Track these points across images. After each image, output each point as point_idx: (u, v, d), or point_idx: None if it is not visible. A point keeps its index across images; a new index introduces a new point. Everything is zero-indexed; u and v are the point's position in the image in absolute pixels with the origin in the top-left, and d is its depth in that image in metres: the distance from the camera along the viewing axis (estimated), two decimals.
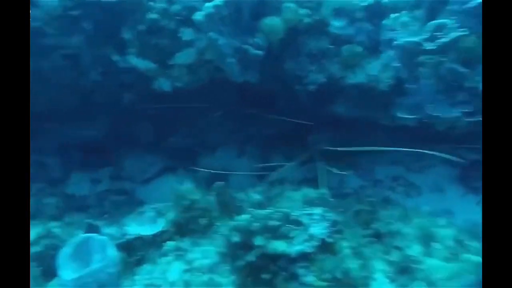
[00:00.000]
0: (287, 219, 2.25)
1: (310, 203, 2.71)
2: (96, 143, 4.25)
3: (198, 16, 2.95)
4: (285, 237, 2.17)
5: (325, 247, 2.25)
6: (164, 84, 3.46)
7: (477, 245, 2.73)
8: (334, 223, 2.42)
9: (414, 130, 3.73)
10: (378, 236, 2.48)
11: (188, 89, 3.52)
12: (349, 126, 3.98)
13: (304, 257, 2.18)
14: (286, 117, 4.07)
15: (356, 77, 3.51)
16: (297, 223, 2.31)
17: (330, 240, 2.29)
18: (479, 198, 3.79)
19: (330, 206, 2.73)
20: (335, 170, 3.77)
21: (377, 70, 3.46)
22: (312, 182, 4.01)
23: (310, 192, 2.94)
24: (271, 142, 4.39)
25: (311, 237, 2.27)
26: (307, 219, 2.43)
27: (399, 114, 3.37)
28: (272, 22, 3.22)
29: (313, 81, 3.52)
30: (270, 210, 2.28)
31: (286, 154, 4.32)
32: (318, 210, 2.50)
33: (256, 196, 2.75)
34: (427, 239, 2.61)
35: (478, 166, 3.88)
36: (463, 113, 3.14)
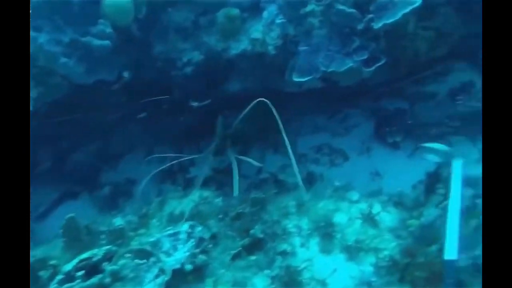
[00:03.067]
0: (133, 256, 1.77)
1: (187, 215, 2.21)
2: None
3: None
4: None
5: (186, 276, 1.78)
6: None
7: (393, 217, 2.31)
8: (201, 241, 1.94)
9: (323, 91, 3.26)
10: (260, 243, 2.00)
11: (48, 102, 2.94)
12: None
13: None
14: (182, 108, 3.54)
15: (241, 45, 2.97)
16: (148, 255, 1.82)
17: (189, 267, 1.81)
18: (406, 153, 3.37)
19: (211, 212, 2.25)
20: (250, 159, 3.23)
21: (261, 32, 2.93)
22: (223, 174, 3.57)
23: (193, 198, 2.44)
24: (179, 138, 3.86)
25: (168, 267, 1.78)
26: (169, 242, 1.95)
27: (294, 78, 2.86)
28: (117, 1, 2.64)
29: (189, 61, 2.96)
30: (107, 248, 1.79)
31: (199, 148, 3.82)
32: (185, 227, 2.02)
33: (119, 222, 2.24)
34: (327, 229, 2.16)
35: (398, 117, 3.50)
36: (359, 62, 2.64)
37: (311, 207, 2.36)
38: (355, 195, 2.59)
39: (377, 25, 2.51)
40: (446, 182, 3.02)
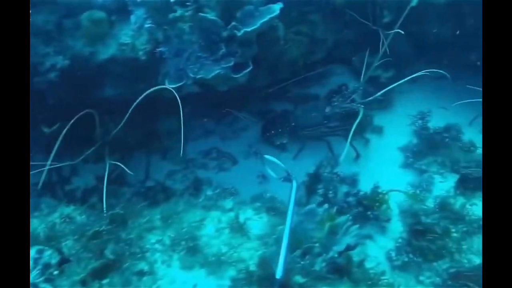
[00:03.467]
0: None
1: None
2: None
3: None
4: None
5: None
6: None
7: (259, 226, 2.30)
8: (47, 267, 1.78)
9: (201, 96, 3.19)
10: (116, 263, 1.88)
11: None
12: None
13: None
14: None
15: (109, 50, 2.80)
16: None
17: None
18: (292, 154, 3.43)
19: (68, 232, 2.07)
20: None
21: (130, 37, 2.79)
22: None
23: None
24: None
25: None
26: None
27: (167, 84, 2.75)
28: None
29: (53, 66, 2.74)
30: None
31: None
32: (31, 253, 1.84)
33: None
34: (192, 242, 2.09)
35: (283, 119, 3.56)
36: (227, 68, 2.60)
37: (178, 219, 2.29)
38: (228, 203, 2.56)
39: (239, 32, 2.49)
40: (326, 182, 3.11)
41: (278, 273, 1.80)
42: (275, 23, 2.81)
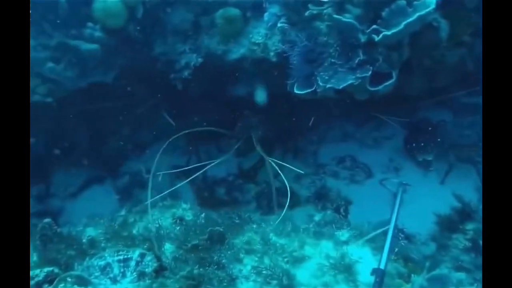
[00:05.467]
0: None
1: None
2: None
3: None
4: None
5: None
6: None
7: None
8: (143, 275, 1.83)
9: (337, 103, 2.87)
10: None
11: None
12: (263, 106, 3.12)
13: None
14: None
15: (241, 49, 2.70)
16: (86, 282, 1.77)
17: None
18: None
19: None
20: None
21: (262, 36, 2.63)
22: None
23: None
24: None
25: None
26: (118, 268, 1.90)
27: (296, 90, 2.53)
28: (105, 3, 2.53)
29: (187, 64, 2.77)
30: None
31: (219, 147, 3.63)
32: (135, 254, 1.94)
33: (89, 232, 2.17)
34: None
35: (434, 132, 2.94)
36: (361, 78, 2.22)
37: (281, 244, 2.09)
38: (344, 234, 2.25)
39: (378, 37, 2.07)
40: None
41: (382, 264, 1.91)
42: (436, 22, 2.28)
